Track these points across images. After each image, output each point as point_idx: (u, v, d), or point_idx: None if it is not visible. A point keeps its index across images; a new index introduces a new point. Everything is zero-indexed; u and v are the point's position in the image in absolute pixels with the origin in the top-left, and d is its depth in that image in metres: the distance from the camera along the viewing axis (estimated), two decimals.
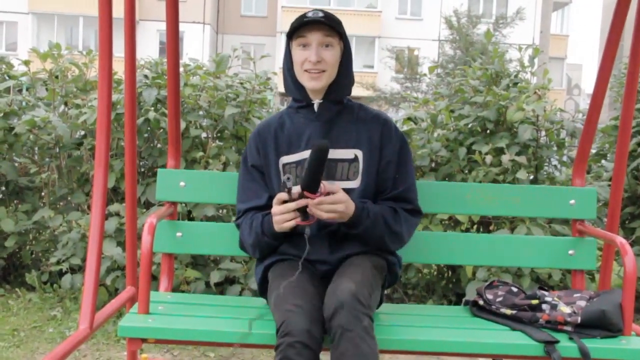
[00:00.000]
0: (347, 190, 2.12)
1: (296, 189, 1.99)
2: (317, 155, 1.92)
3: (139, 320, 2.05)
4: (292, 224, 2.01)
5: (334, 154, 2.13)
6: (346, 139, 2.16)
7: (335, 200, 1.98)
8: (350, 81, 2.21)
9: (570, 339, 2.04)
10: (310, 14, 2.10)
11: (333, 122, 2.18)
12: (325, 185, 1.98)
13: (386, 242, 2.13)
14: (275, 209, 2.03)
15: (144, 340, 2.04)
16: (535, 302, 2.15)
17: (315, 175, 1.94)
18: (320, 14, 2.09)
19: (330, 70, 2.12)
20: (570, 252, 2.49)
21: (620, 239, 2.19)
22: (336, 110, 2.19)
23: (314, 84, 2.12)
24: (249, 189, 2.22)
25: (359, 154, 2.15)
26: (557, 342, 2.00)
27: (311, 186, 1.96)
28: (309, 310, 1.84)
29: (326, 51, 2.10)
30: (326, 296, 1.87)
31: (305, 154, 2.14)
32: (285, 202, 2.00)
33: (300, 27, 2.08)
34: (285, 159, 2.18)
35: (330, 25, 2.08)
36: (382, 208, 2.12)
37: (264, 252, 2.19)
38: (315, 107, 2.18)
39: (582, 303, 2.13)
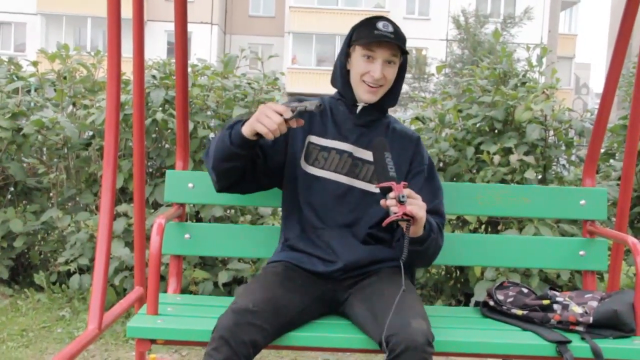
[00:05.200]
0: (366, 193, 2.13)
1: (300, 122, 1.93)
2: (377, 150, 1.92)
3: (147, 321, 2.05)
4: (264, 130, 1.88)
5: (364, 154, 2.16)
6: None
7: (415, 195, 1.91)
8: (397, 95, 2.23)
9: (583, 339, 2.03)
10: (380, 26, 2.08)
11: (370, 124, 2.20)
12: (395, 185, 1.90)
13: (433, 260, 2.12)
14: (268, 110, 1.89)
15: (152, 341, 2.04)
16: (546, 302, 2.14)
17: (385, 166, 1.89)
18: (390, 29, 2.08)
19: (387, 85, 2.15)
20: (581, 252, 2.48)
21: (632, 239, 2.17)
22: (375, 117, 2.21)
23: (370, 97, 2.13)
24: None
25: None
26: (569, 342, 1.99)
27: (391, 179, 1.88)
28: (247, 310, 1.83)
29: (389, 68, 2.11)
30: (390, 327, 1.78)
31: (336, 144, 2.16)
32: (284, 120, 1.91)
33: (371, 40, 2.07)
34: (313, 139, 2.18)
35: (398, 44, 2.08)
36: (434, 222, 2.07)
37: (217, 154, 2.02)
38: (358, 109, 2.19)
39: (594, 303, 2.12)
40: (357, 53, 2.12)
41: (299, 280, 2.09)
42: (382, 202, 1.89)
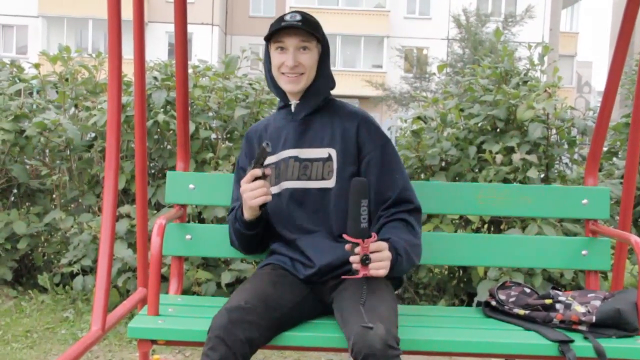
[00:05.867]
0: (323, 190, 2.12)
1: (268, 170, 2.01)
2: (355, 195, 1.85)
3: (148, 321, 2.06)
4: (261, 200, 2.01)
5: (309, 153, 2.15)
6: (321, 137, 2.16)
7: (382, 247, 1.91)
8: (328, 82, 2.21)
9: (585, 338, 2.02)
10: (287, 17, 2.11)
11: (309, 121, 2.19)
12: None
13: (414, 264, 2.09)
14: (245, 185, 2.02)
15: (153, 342, 2.04)
16: (548, 301, 2.14)
17: (357, 217, 1.85)
18: (298, 18, 2.10)
19: (308, 72, 2.14)
20: (584, 252, 2.47)
21: (635, 238, 2.17)
22: (313, 110, 2.19)
23: (292, 87, 2.15)
24: (238, 190, 2.22)
25: (332, 152, 2.14)
26: (572, 341, 1.98)
27: (361, 232, 1.85)
28: (240, 308, 1.85)
29: (303, 54, 2.12)
30: (353, 334, 1.77)
31: (283, 154, 2.17)
32: (257, 178, 2.00)
33: (278, 31, 2.10)
34: (267, 161, 2.18)
35: (306, 29, 2.09)
36: (400, 232, 2.05)
37: (240, 242, 2.22)
38: (293, 107, 2.19)
39: (597, 303, 2.11)
40: (272, 48, 2.15)
41: (289, 277, 2.12)
42: (347, 247, 1.90)
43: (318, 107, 2.20)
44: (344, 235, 1.88)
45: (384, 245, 1.91)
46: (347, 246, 1.89)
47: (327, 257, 2.09)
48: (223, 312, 1.86)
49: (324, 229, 2.13)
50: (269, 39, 2.14)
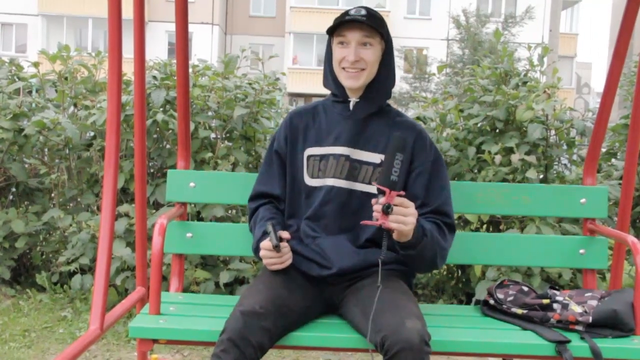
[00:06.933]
0: (365, 195, 2.10)
1: (284, 244, 2.04)
2: (392, 147, 1.87)
3: (150, 321, 2.06)
4: (278, 267, 2.05)
5: (361, 155, 2.12)
6: (375, 142, 2.13)
7: (407, 204, 1.91)
8: (391, 82, 2.17)
9: (582, 338, 2.03)
10: (352, 12, 2.08)
11: (366, 122, 2.15)
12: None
13: (436, 263, 2.07)
14: (264, 252, 2.06)
15: (155, 341, 2.04)
16: (546, 301, 2.14)
17: (389, 168, 1.87)
18: (362, 12, 2.07)
19: (370, 68, 2.09)
20: (581, 251, 2.48)
21: (632, 238, 2.18)
22: (372, 112, 2.15)
23: (352, 83, 2.10)
24: (267, 173, 2.24)
25: None
26: (569, 341, 1.99)
27: (390, 183, 1.86)
28: (255, 312, 1.85)
29: (365, 50, 2.08)
30: (385, 328, 1.79)
31: (332, 149, 2.13)
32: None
33: (340, 25, 2.07)
34: (310, 151, 2.17)
35: (370, 25, 2.05)
36: (431, 224, 2.05)
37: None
38: (351, 105, 2.15)
39: (594, 302, 2.12)
40: (334, 43, 2.12)
41: (299, 279, 2.10)
42: (373, 200, 1.90)
43: (377, 111, 2.16)
44: (372, 183, 1.88)
45: (410, 203, 1.90)
46: (373, 200, 1.89)
47: (348, 260, 2.08)
48: (238, 315, 1.84)
49: (350, 234, 2.12)
50: (331, 32, 2.11)
